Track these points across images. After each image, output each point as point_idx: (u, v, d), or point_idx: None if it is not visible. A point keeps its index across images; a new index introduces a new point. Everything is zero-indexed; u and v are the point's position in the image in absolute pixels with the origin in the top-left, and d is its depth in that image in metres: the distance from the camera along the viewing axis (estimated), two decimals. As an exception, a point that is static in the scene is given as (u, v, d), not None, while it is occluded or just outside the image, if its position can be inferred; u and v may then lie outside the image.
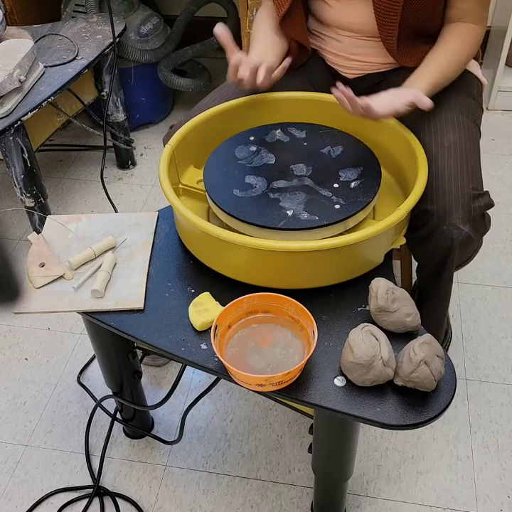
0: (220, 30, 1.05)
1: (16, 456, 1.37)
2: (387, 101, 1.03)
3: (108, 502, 1.28)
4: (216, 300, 0.97)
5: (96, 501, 1.29)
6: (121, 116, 2.04)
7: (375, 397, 0.85)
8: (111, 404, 1.39)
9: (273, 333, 0.92)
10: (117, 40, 1.87)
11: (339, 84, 1.00)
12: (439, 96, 1.13)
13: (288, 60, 1.09)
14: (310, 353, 0.84)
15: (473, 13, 1.13)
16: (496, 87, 2.25)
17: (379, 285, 0.90)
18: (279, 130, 1.16)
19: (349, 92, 1.00)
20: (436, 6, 1.14)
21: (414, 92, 1.04)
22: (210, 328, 0.90)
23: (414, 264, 1.26)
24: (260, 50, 1.18)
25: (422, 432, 1.37)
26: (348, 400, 0.85)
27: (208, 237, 0.95)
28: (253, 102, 1.20)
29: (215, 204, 1.02)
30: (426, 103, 1.02)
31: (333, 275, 0.98)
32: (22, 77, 1.58)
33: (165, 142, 1.26)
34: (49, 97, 1.62)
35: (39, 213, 1.74)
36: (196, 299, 0.97)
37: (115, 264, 1.05)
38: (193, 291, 1.01)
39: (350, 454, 1.04)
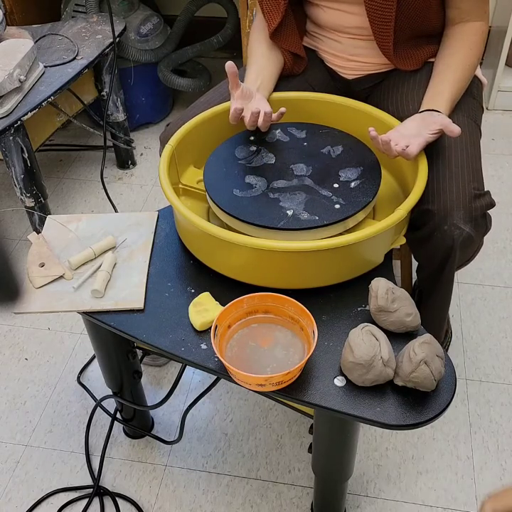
0: (231, 67, 1.08)
1: (15, 456, 1.37)
2: (416, 136, 1.02)
3: (108, 502, 1.28)
4: (216, 300, 0.97)
5: (96, 501, 1.29)
6: (121, 116, 2.04)
7: (375, 397, 0.85)
8: (111, 404, 1.39)
9: (273, 333, 0.92)
10: (117, 40, 1.87)
11: (372, 129, 1.00)
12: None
13: (284, 109, 1.13)
14: (310, 353, 0.84)
15: (475, 10, 1.13)
16: (495, 87, 2.25)
17: (379, 285, 0.90)
18: (279, 130, 1.16)
19: (385, 137, 0.99)
20: (432, 8, 1.14)
21: (440, 120, 1.02)
22: (210, 328, 0.90)
23: (414, 264, 1.26)
24: (257, 69, 1.20)
25: (422, 432, 1.37)
26: (348, 400, 0.85)
27: (208, 237, 0.95)
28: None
29: (215, 204, 1.02)
30: (454, 131, 1.00)
31: (333, 275, 0.98)
32: (22, 77, 1.58)
33: (162, 140, 1.26)
34: (49, 97, 1.62)
35: (39, 213, 1.74)
36: (196, 299, 0.97)
37: (115, 264, 1.05)
38: (193, 291, 1.01)
39: (350, 454, 1.04)
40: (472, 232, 1.05)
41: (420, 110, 1.08)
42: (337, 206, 0.99)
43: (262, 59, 1.21)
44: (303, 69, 1.28)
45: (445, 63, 1.13)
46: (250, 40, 1.26)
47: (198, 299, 0.97)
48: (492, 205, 1.10)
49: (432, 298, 1.20)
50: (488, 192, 1.10)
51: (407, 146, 1.00)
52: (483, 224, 1.09)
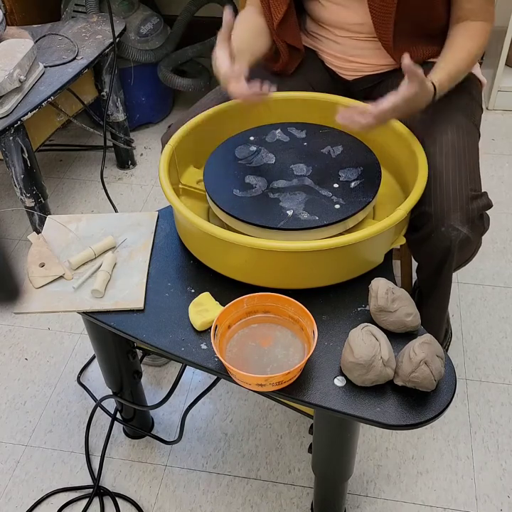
0: (228, 16, 1.08)
1: (15, 456, 1.37)
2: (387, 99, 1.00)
3: (108, 502, 1.28)
4: (216, 300, 0.97)
5: (96, 501, 1.29)
6: (121, 116, 2.04)
7: (375, 397, 0.85)
8: (111, 404, 1.39)
9: (273, 333, 0.92)
10: (117, 40, 1.87)
11: (340, 110, 0.98)
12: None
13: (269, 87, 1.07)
14: (310, 353, 0.84)
15: (480, 11, 1.13)
16: (495, 87, 2.25)
17: (379, 285, 0.90)
18: (279, 130, 1.16)
19: (350, 111, 0.98)
20: (434, 6, 1.14)
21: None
22: (210, 328, 0.90)
23: (414, 264, 1.26)
24: (241, 41, 1.17)
25: (422, 432, 1.37)
26: (348, 399, 0.85)
27: (208, 237, 0.95)
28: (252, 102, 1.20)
29: (215, 204, 1.02)
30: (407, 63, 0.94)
31: (333, 275, 0.98)
32: (22, 77, 1.58)
33: (163, 141, 1.26)
34: (49, 97, 1.62)
35: (39, 213, 1.74)
36: (196, 299, 0.97)
37: (115, 264, 1.05)
38: (193, 291, 1.01)
39: (350, 454, 1.04)
40: (469, 233, 1.05)
41: None
42: (337, 206, 0.99)
43: (247, 33, 1.19)
44: (295, 67, 1.27)
45: (445, 51, 1.12)
46: (238, 18, 1.21)
47: (198, 299, 0.97)
48: (489, 206, 1.09)
49: (432, 298, 1.20)
50: (485, 193, 1.10)
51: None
52: (480, 225, 1.09)
